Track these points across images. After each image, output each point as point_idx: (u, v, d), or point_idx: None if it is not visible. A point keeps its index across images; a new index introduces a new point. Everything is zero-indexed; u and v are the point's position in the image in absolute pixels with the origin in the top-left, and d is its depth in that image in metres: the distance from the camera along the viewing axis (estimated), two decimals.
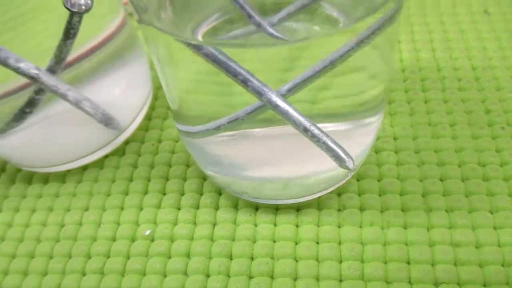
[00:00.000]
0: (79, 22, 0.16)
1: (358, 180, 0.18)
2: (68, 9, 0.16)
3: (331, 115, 0.14)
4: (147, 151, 0.20)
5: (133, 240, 0.18)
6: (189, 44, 0.12)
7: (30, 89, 0.17)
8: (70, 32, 0.16)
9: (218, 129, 0.14)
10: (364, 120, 0.15)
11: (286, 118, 0.13)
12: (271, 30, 0.15)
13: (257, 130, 0.15)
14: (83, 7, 0.16)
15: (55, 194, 0.19)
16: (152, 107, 0.22)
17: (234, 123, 0.14)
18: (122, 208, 0.18)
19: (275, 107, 0.13)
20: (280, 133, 0.15)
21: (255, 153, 0.16)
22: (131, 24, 0.20)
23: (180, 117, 0.16)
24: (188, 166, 0.19)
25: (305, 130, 0.13)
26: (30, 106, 0.17)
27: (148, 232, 0.18)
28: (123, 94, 0.19)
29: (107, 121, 0.18)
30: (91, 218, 0.18)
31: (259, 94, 0.13)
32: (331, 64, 0.12)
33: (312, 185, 0.17)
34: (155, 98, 0.22)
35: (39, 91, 0.17)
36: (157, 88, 0.23)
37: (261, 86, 0.12)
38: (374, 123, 0.16)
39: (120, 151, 0.20)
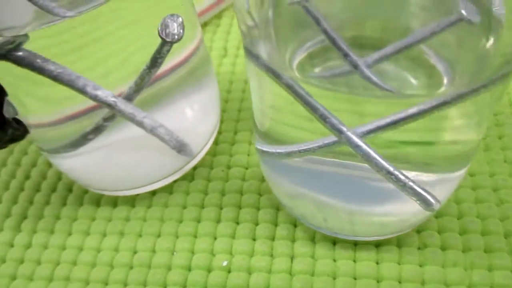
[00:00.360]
0: (168, 51, 0.16)
1: (436, 218, 0.18)
2: (162, 38, 0.15)
3: (417, 164, 0.14)
4: (217, 177, 0.20)
5: (209, 270, 0.17)
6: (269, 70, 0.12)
7: (97, 112, 0.16)
8: (157, 61, 0.16)
9: (307, 151, 0.14)
10: (455, 173, 0.15)
11: (366, 160, 0.13)
12: (368, 73, 0.15)
13: (343, 162, 0.15)
14: (176, 37, 0.16)
15: (125, 218, 0.19)
16: (219, 131, 0.22)
17: (323, 150, 0.13)
18: (195, 236, 0.18)
19: (355, 147, 0.12)
20: (364, 170, 0.15)
21: (340, 183, 0.15)
22: (205, 46, 0.20)
23: (271, 137, 0.15)
24: (260, 194, 0.19)
25: (388, 174, 0.13)
26: (96, 132, 0.17)
27: (225, 263, 0.17)
28: (196, 118, 0.19)
29: (181, 147, 0.18)
30: (165, 246, 0.18)
31: (338, 132, 0.12)
32: (420, 115, 0.12)
33: (394, 224, 0.16)
34: (221, 121, 0.22)
35: (109, 118, 0.16)
36: (222, 111, 0.23)
37: (339, 124, 0.12)
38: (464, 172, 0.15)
39: (189, 176, 0.20)
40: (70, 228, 0.19)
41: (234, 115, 0.22)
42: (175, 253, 0.18)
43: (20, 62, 0.14)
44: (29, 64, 0.14)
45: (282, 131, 0.15)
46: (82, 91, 0.15)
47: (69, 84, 0.15)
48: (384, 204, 0.15)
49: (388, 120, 0.12)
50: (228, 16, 0.28)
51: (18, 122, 0.15)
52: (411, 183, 0.13)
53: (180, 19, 0.16)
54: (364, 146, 0.12)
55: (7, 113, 0.15)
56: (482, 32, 0.13)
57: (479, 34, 0.13)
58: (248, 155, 0.21)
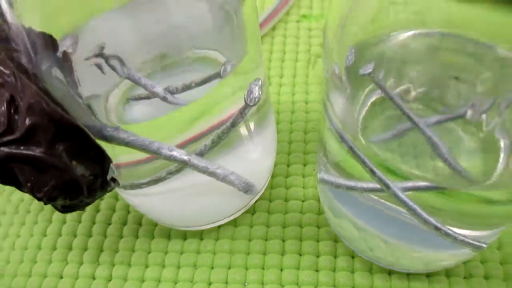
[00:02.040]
0: (249, 111, 0.18)
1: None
2: (247, 103, 0.17)
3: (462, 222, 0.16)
4: (276, 210, 0.22)
5: None
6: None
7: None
8: (238, 121, 0.18)
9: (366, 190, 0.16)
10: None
11: (412, 214, 0.15)
12: (429, 133, 0.17)
13: (399, 208, 0.17)
14: (257, 99, 0.17)
15: (195, 251, 0.21)
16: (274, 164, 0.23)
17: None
18: (263, 268, 0.20)
19: (402, 202, 0.14)
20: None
21: (395, 226, 0.17)
22: (268, 90, 0.21)
23: (343, 170, 0.17)
24: (318, 227, 0.21)
25: (436, 229, 0.15)
26: (168, 176, 0.18)
27: None
28: (261, 158, 0.21)
29: (248, 188, 0.20)
30: (237, 277, 0.20)
31: (385, 186, 0.14)
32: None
33: (445, 263, 0.19)
34: None
35: (177, 171, 0.18)
36: None
37: (385, 179, 0.14)
38: None
39: (251, 209, 0.22)
40: (146, 260, 0.21)
41: (286, 147, 0.24)
42: (246, 284, 0.20)
43: (91, 131, 0.15)
44: (99, 132, 0.15)
45: (353, 166, 0.17)
46: (156, 153, 0.17)
47: (143, 148, 0.16)
48: (437, 250, 0.17)
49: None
50: (267, 42, 0.29)
51: (114, 179, 0.17)
52: (461, 237, 0.15)
53: (260, 82, 0.17)
54: (410, 203, 0.14)
55: (109, 176, 0.16)
56: None
57: None
58: (303, 187, 0.23)
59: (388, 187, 0.14)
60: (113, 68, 0.15)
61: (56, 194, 0.14)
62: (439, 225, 0.15)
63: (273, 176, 0.23)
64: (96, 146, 0.15)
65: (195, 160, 0.17)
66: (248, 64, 0.17)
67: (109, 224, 0.22)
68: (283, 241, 0.21)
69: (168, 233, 0.22)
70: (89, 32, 0.15)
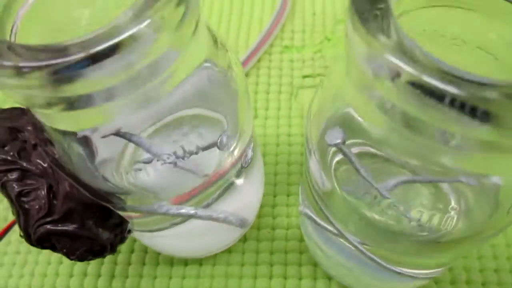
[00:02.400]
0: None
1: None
2: (242, 166, 0.20)
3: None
4: (264, 238, 0.25)
5: None
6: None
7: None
8: (237, 175, 0.21)
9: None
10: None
11: (368, 259, 0.18)
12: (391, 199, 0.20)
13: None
14: (250, 160, 0.20)
15: (196, 275, 0.25)
16: None
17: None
18: None
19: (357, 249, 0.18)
20: None
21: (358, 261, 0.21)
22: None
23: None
24: (301, 253, 0.25)
25: (388, 269, 0.19)
26: (163, 229, 0.21)
27: None
28: (252, 195, 0.24)
29: (243, 223, 0.23)
30: None
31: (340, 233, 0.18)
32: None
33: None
34: None
35: (182, 222, 0.21)
36: None
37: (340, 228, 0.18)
38: None
39: (242, 237, 0.25)
40: (153, 285, 0.24)
41: (272, 179, 0.27)
42: None
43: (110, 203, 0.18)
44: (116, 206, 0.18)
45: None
46: (165, 214, 0.19)
47: (151, 212, 0.19)
48: (393, 280, 0.21)
49: None
50: (253, 74, 0.32)
51: (129, 230, 0.20)
52: (412, 274, 0.19)
53: (252, 145, 0.20)
54: (365, 252, 0.18)
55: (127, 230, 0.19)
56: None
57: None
58: (287, 216, 0.26)
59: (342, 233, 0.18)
60: (125, 138, 0.18)
61: (86, 256, 0.17)
62: (391, 267, 0.18)
63: (261, 206, 0.26)
64: (117, 215, 0.18)
65: (201, 212, 0.20)
66: (244, 131, 0.20)
67: (119, 252, 0.26)
68: (271, 265, 0.25)
69: (171, 260, 0.25)
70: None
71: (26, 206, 0.16)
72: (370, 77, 0.12)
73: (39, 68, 0.11)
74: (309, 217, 0.21)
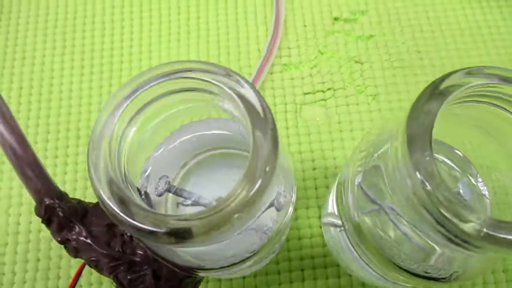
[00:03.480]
0: None
1: None
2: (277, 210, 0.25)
3: None
4: (293, 248, 0.31)
5: None
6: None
7: None
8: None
9: None
10: None
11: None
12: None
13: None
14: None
15: (242, 286, 0.30)
16: None
17: None
18: None
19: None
20: None
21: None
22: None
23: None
24: (325, 256, 0.30)
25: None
26: None
27: None
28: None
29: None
30: None
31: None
32: None
33: None
34: None
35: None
36: None
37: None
38: None
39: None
40: None
41: None
42: None
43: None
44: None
45: None
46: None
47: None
48: None
49: None
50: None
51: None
52: None
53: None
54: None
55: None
56: None
57: None
58: (309, 227, 0.31)
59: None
60: (179, 195, 0.22)
61: None
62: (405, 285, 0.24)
63: None
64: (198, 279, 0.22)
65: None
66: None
67: None
68: (302, 270, 0.30)
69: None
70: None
71: None
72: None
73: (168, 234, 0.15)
74: (334, 225, 0.26)
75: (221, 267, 0.23)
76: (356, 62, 0.36)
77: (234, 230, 0.15)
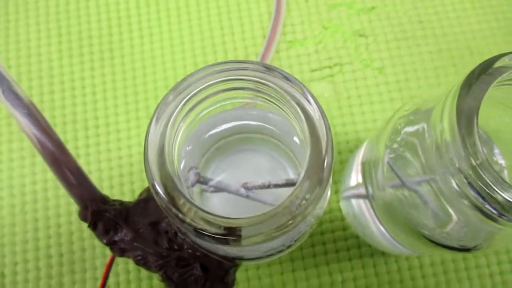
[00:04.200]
0: None
1: None
2: None
3: None
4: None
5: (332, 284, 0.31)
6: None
7: None
8: None
9: None
10: None
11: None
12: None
13: None
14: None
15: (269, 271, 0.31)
16: None
17: None
18: (316, 266, 0.31)
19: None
20: None
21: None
22: None
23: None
24: (344, 230, 0.32)
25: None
26: None
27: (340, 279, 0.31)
28: None
29: None
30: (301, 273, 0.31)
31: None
32: None
33: None
34: None
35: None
36: None
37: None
38: None
39: None
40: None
41: None
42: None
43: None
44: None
45: None
46: None
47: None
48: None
49: None
50: None
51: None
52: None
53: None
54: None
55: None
56: None
57: None
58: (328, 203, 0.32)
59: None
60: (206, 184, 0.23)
61: None
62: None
63: None
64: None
65: None
66: None
67: None
68: (324, 244, 0.31)
69: None
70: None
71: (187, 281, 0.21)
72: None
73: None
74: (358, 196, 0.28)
75: (257, 257, 0.24)
76: (360, 35, 0.36)
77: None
